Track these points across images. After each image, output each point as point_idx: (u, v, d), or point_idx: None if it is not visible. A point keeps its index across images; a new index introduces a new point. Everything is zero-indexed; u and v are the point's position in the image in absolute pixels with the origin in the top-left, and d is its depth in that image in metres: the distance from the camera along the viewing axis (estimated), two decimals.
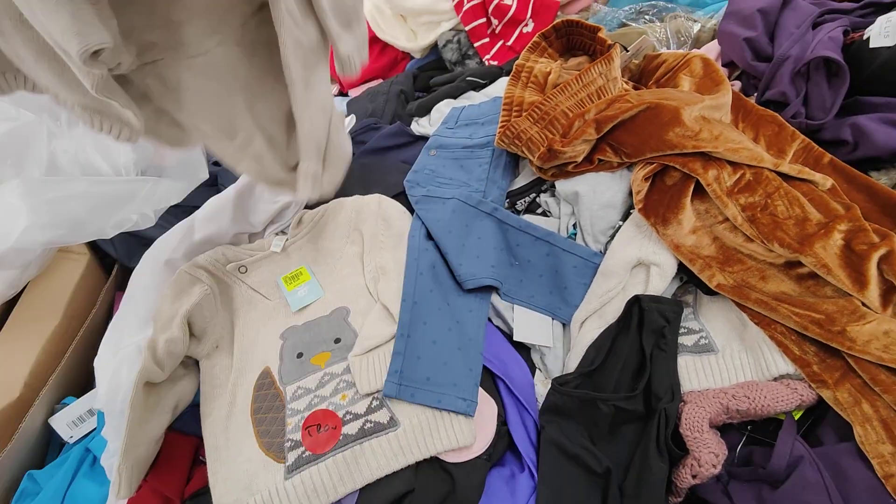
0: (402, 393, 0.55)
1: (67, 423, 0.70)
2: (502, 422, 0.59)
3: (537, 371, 0.65)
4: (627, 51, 0.78)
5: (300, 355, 0.61)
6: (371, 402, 0.56)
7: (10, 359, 0.70)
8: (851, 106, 0.62)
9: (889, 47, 0.58)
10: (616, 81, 0.71)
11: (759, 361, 0.52)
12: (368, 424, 0.55)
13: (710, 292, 0.59)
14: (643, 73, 0.78)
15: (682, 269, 0.60)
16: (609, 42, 0.71)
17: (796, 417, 0.49)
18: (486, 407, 0.58)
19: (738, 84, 0.74)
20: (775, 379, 0.51)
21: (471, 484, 0.55)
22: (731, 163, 0.57)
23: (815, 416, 0.49)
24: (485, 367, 0.60)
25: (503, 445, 0.59)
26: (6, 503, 0.64)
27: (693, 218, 0.57)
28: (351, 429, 0.55)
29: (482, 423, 0.57)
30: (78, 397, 0.71)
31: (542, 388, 0.62)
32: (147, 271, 0.75)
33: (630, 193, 0.64)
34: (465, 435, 0.55)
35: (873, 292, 0.48)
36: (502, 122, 0.72)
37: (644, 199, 0.59)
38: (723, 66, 0.76)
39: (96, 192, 0.74)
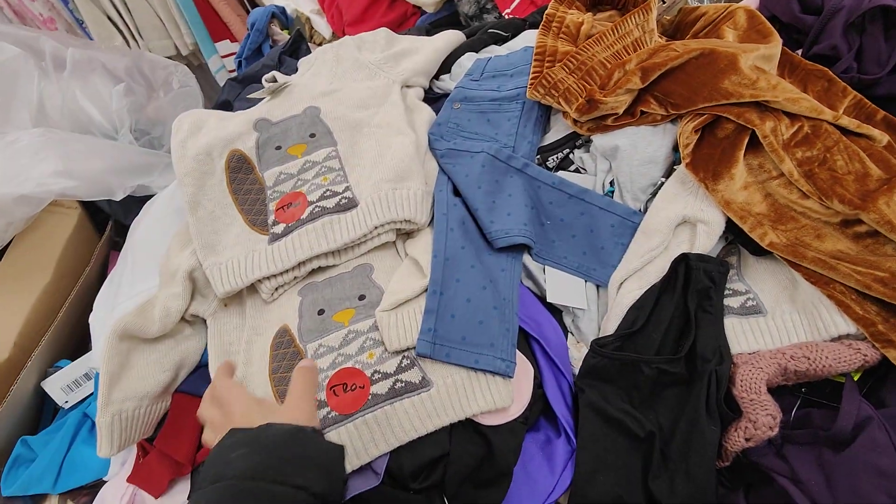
0: (436, 352, 0.52)
1: (62, 386, 0.65)
2: (538, 384, 0.56)
3: (569, 334, 0.62)
4: (664, 2, 0.74)
5: (321, 312, 0.57)
6: (401, 361, 0.53)
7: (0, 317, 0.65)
8: None
9: None
10: (653, 34, 0.67)
11: (814, 322, 0.50)
12: (399, 384, 0.52)
13: (757, 252, 0.56)
14: (678, 28, 0.74)
15: (727, 228, 0.57)
16: None
17: (855, 379, 0.47)
18: (523, 369, 0.55)
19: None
20: (833, 340, 0.48)
21: (508, 448, 0.52)
22: (787, 115, 0.54)
23: (875, 378, 0.47)
24: (519, 328, 0.57)
25: (538, 409, 0.56)
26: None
27: (745, 173, 0.54)
28: (380, 388, 0.52)
29: (519, 385, 0.54)
30: (73, 360, 0.66)
31: (575, 352, 0.59)
32: (150, 222, 0.69)
33: (673, 149, 0.61)
34: (502, 396, 0.52)
35: None
36: (534, 72, 0.67)
37: (692, 152, 0.56)
38: None
39: (117, 155, 0.71)
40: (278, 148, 0.67)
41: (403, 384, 0.52)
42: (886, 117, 0.57)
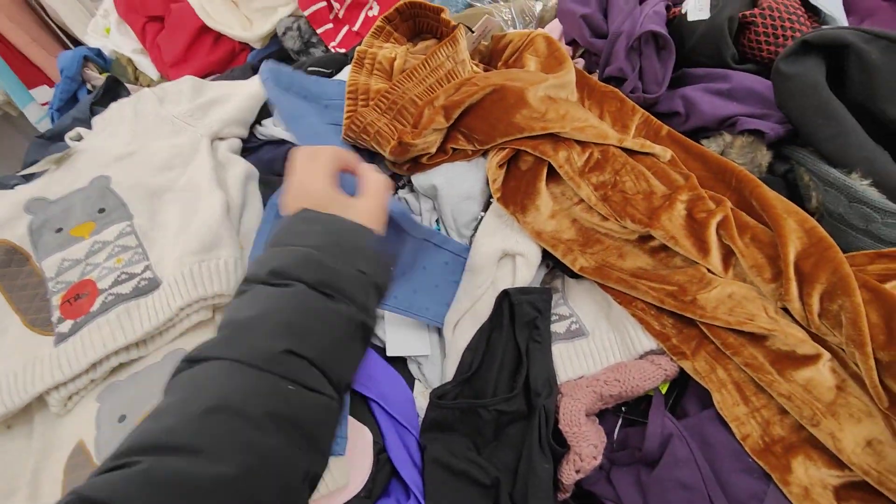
0: None
1: None
2: (381, 449, 0.53)
3: (416, 382, 0.60)
4: (472, 31, 0.75)
5: (122, 419, 0.50)
6: None
7: None
8: (680, 78, 0.64)
9: (704, 20, 0.61)
10: (464, 64, 0.67)
11: (625, 340, 0.52)
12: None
13: (576, 276, 0.58)
14: (492, 55, 0.76)
15: (547, 255, 0.58)
16: (453, 23, 0.67)
17: (663, 391, 0.49)
18: (359, 438, 0.51)
19: (581, 62, 0.74)
20: (641, 356, 0.51)
21: None
22: (579, 142, 0.56)
23: (679, 387, 0.50)
24: (353, 392, 0.54)
25: (385, 475, 0.53)
26: None
27: (550, 202, 0.56)
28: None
29: (356, 457, 0.50)
30: None
31: (423, 400, 0.58)
32: None
33: (488, 182, 0.61)
34: (335, 477, 0.48)
35: (715, 257, 0.50)
36: (348, 112, 0.65)
37: (501, 187, 0.57)
38: (566, 44, 0.77)
39: None
40: (59, 231, 0.58)
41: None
42: (670, 132, 0.62)
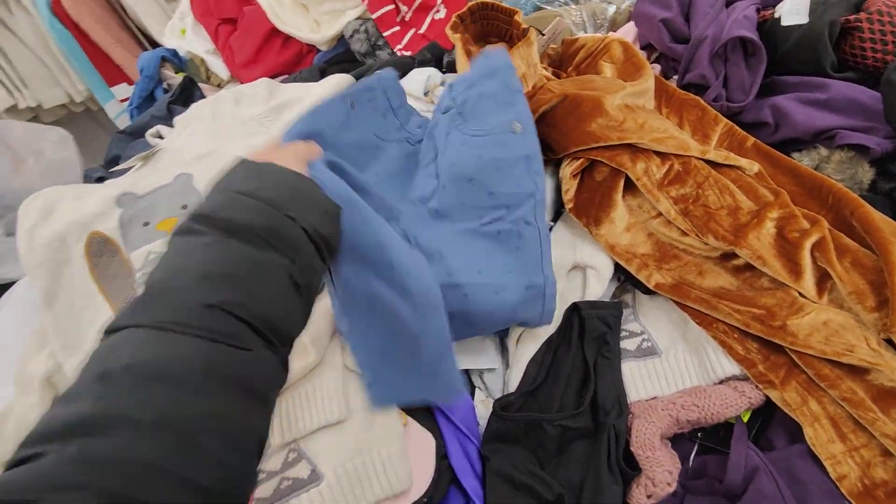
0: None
1: None
2: (442, 455, 0.53)
3: (477, 390, 0.59)
4: (543, 34, 0.74)
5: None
6: (287, 456, 0.48)
7: None
8: (769, 86, 0.60)
9: (801, 25, 0.57)
10: (536, 68, 0.66)
11: (703, 363, 0.49)
12: (286, 482, 0.47)
13: (649, 291, 0.56)
14: (563, 59, 0.74)
15: (619, 268, 0.56)
16: (524, 26, 0.66)
17: (745, 419, 0.47)
18: (423, 443, 0.52)
19: (657, 67, 0.71)
20: (721, 381, 0.48)
21: None
22: (658, 153, 0.53)
23: (764, 416, 0.47)
24: None
25: (445, 482, 0.53)
26: None
27: (626, 215, 0.54)
28: (265, 490, 0.47)
29: (419, 462, 0.51)
30: None
31: (483, 409, 0.57)
32: (4, 319, 0.62)
33: (560, 191, 0.60)
34: (400, 480, 0.48)
35: (808, 281, 0.47)
36: None
37: (574, 197, 0.55)
38: (641, 48, 0.74)
39: None
40: (146, 224, 0.61)
41: (290, 482, 0.47)
42: (756, 143, 0.58)
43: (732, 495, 0.42)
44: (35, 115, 1.70)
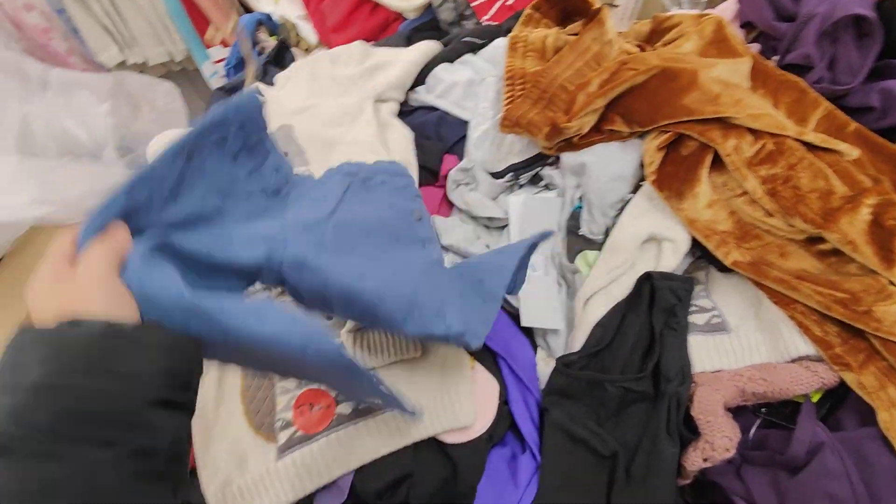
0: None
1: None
2: (504, 401, 0.56)
3: (538, 349, 0.62)
4: (615, 5, 0.73)
5: None
6: None
7: None
8: (881, 70, 0.57)
9: None
10: (611, 45, 0.66)
11: (776, 342, 0.49)
12: (363, 404, 0.53)
13: (724, 269, 0.56)
14: (652, 35, 0.73)
15: (695, 244, 0.56)
16: (596, 4, 0.66)
17: (814, 400, 0.47)
18: (488, 386, 0.55)
19: (756, 46, 0.69)
20: (793, 361, 0.48)
21: (471, 467, 0.53)
22: (751, 131, 0.53)
23: (834, 399, 0.47)
24: (486, 346, 0.57)
25: (504, 426, 0.57)
26: None
27: (710, 191, 0.54)
28: (345, 408, 0.52)
29: (483, 402, 0.54)
30: None
31: (544, 366, 0.60)
32: None
33: (641, 165, 0.61)
34: (466, 414, 0.52)
35: None
36: (506, 101, 0.67)
37: (657, 170, 0.56)
38: (741, 26, 0.71)
39: (97, 179, 0.72)
40: None
41: (367, 404, 0.53)
42: (858, 129, 0.56)
43: (793, 467, 0.43)
44: (141, 71, 1.85)
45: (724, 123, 0.53)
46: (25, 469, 0.24)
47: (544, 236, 0.49)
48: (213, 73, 1.75)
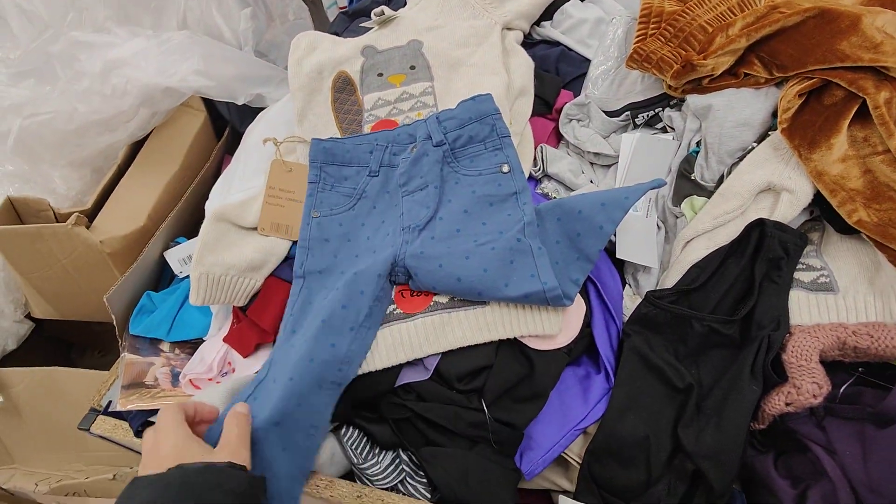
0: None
1: (179, 259, 0.77)
2: (587, 323, 0.59)
3: (626, 286, 0.64)
4: None
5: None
6: None
7: (138, 193, 0.78)
8: None
9: None
10: None
11: (888, 305, 0.48)
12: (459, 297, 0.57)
13: (843, 230, 0.54)
14: None
15: (813, 202, 0.55)
16: None
17: None
18: (576, 305, 0.58)
19: None
20: None
21: (548, 372, 0.56)
22: None
23: None
24: None
25: (583, 346, 0.59)
26: (129, 314, 0.73)
27: (846, 145, 0.52)
28: (443, 298, 0.57)
29: (568, 318, 0.57)
30: (189, 238, 0.78)
31: (629, 302, 0.61)
32: (262, 129, 0.78)
33: (772, 115, 0.59)
34: (552, 324, 0.55)
35: None
36: (637, 37, 0.66)
37: (792, 117, 0.54)
38: None
39: (244, 64, 0.81)
40: (380, 75, 0.72)
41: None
42: None
43: (884, 420, 0.43)
44: None
45: (880, 74, 0.50)
46: None
47: (655, 185, 0.53)
48: (332, 4, 1.82)
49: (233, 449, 0.42)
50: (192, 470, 0.38)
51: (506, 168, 0.61)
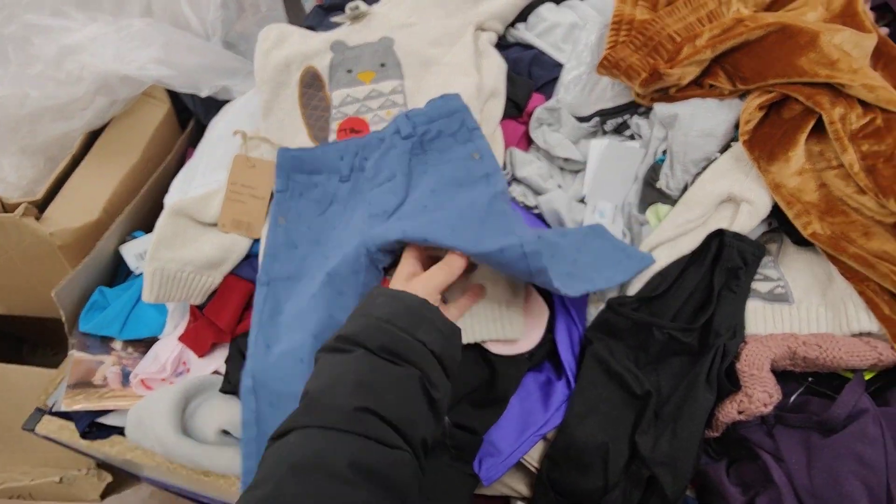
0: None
1: (135, 254, 0.74)
2: (549, 329, 0.59)
3: (590, 294, 0.64)
4: None
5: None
6: None
7: (93, 184, 0.74)
8: None
9: None
10: (729, 4, 0.64)
11: (838, 317, 0.49)
12: None
13: (799, 242, 0.55)
14: (773, 4, 0.70)
15: (772, 214, 0.56)
16: None
17: (867, 378, 0.47)
18: (539, 310, 0.58)
19: (885, 31, 0.65)
20: (854, 336, 0.48)
21: (509, 377, 0.56)
22: (862, 104, 0.51)
23: (886, 381, 0.47)
24: None
25: (545, 351, 0.59)
26: (79, 310, 0.69)
27: (803, 158, 0.53)
28: None
29: (531, 323, 0.57)
30: (147, 233, 0.75)
31: (592, 308, 0.61)
32: (226, 122, 0.76)
33: (735, 126, 0.60)
34: (514, 329, 0.55)
35: None
36: (609, 44, 0.66)
37: (752, 129, 0.55)
38: (871, 8, 0.68)
39: (209, 55, 0.78)
40: (349, 71, 0.71)
41: None
42: None
43: (828, 429, 0.44)
44: None
45: (836, 91, 0.51)
46: (372, 363, 0.40)
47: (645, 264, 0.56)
48: None
49: (428, 290, 0.47)
50: (419, 301, 0.44)
51: (476, 156, 0.60)
